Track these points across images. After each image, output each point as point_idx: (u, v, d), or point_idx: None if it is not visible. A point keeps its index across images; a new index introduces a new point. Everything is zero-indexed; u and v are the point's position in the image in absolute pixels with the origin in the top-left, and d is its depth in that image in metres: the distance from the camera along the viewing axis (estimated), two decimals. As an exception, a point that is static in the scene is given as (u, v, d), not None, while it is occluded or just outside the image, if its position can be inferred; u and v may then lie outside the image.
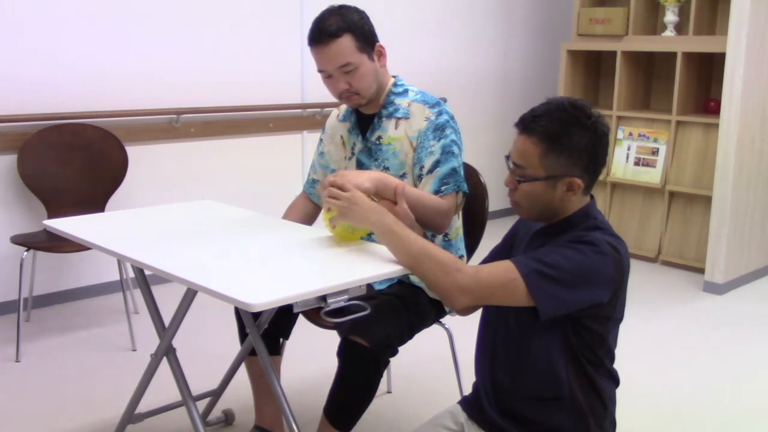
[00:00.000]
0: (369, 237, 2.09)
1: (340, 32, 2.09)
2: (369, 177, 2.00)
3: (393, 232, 1.79)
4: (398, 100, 2.24)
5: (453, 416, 1.83)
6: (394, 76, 2.29)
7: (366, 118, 2.29)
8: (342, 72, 2.13)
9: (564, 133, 1.62)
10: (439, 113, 2.20)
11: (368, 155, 2.26)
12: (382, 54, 2.22)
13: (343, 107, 2.37)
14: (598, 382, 1.69)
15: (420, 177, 2.19)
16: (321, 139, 2.45)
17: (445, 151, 2.17)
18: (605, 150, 1.68)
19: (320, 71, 2.18)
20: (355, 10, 2.16)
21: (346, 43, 2.10)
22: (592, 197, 1.74)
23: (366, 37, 2.15)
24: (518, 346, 1.71)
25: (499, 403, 1.75)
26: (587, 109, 1.65)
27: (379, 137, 2.24)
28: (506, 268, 1.63)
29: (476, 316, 1.85)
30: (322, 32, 2.10)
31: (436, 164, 2.16)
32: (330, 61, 2.12)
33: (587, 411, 1.68)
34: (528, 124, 1.65)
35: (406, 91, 2.26)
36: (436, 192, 2.15)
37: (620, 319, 1.71)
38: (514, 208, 1.73)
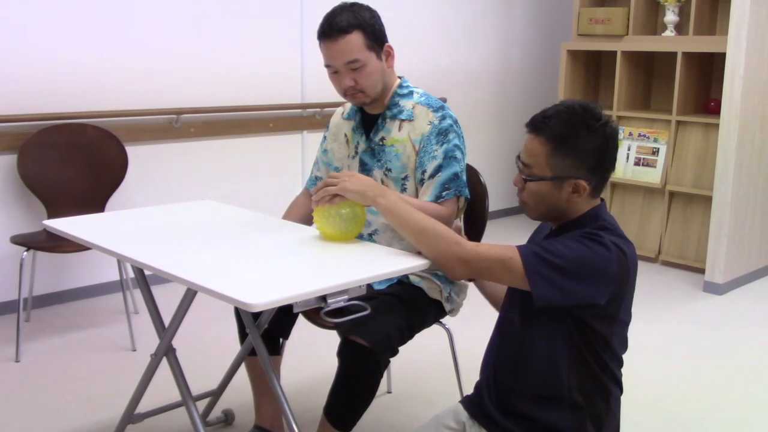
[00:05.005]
0: (361, 237, 2.09)
1: (351, 28, 2.10)
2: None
3: (395, 210, 1.85)
4: (403, 102, 2.24)
5: (455, 415, 1.84)
6: (400, 77, 2.29)
7: (370, 118, 2.29)
8: (349, 68, 2.13)
9: (571, 135, 1.63)
10: (443, 117, 2.20)
11: (371, 155, 2.26)
12: (390, 54, 2.22)
13: (348, 105, 2.37)
14: (602, 383, 1.69)
15: (422, 181, 2.19)
16: (325, 137, 2.45)
17: (447, 155, 2.16)
18: (614, 154, 1.69)
19: (327, 66, 2.18)
20: (367, 8, 2.17)
21: (355, 40, 2.11)
22: (602, 200, 1.74)
23: (375, 36, 2.15)
24: (522, 344, 1.72)
25: (498, 399, 1.76)
26: (597, 112, 1.67)
27: (383, 138, 2.24)
28: (507, 247, 1.66)
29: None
30: (333, 27, 2.10)
31: (438, 169, 2.16)
32: (338, 57, 2.13)
33: (586, 412, 1.68)
34: (537, 124, 1.67)
35: (410, 93, 2.26)
36: (437, 197, 2.15)
37: (626, 322, 1.72)
38: (521, 207, 1.76)
